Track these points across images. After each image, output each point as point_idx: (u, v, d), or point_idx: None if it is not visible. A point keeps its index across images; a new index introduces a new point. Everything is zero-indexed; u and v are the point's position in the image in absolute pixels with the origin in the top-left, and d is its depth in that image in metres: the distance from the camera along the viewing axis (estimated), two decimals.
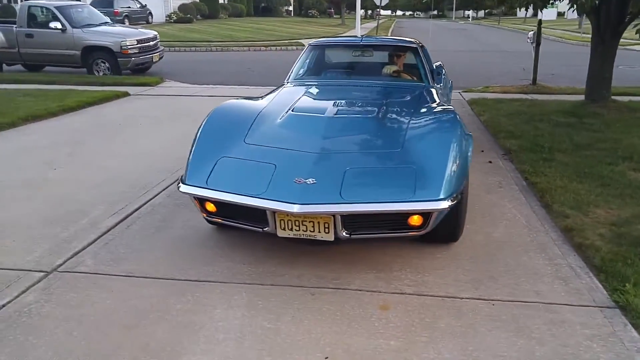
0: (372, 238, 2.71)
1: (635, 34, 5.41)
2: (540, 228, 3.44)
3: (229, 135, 3.08)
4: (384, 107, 3.39)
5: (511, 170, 4.70)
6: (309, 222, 2.59)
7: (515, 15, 52.58)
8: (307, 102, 3.63)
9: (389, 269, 2.91)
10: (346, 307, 2.56)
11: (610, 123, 6.19)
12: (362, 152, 2.88)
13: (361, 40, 4.72)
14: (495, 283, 2.77)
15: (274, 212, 2.58)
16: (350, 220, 2.57)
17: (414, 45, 4.62)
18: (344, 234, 2.60)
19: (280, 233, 2.67)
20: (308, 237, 2.64)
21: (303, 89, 4.06)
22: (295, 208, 2.46)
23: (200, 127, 3.18)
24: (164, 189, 4.22)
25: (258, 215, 2.67)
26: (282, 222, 2.63)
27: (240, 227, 2.84)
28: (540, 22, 9.88)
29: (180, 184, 2.82)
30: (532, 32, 10.00)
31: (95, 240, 3.31)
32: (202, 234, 3.38)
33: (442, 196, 2.56)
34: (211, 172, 2.79)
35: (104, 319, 2.48)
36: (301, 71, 4.57)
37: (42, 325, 2.43)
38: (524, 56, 13.69)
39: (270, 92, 4.09)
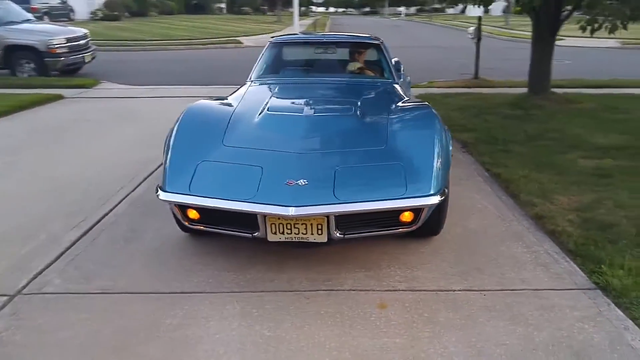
0: (364, 237, 2.69)
1: (579, 29, 5.74)
2: (511, 217, 3.56)
3: (205, 137, 2.95)
4: (359, 105, 3.37)
5: (472, 162, 4.84)
6: (302, 224, 2.53)
7: (444, 12, 54.53)
8: (280, 101, 3.55)
9: (378, 267, 2.90)
10: (344, 308, 2.52)
11: (553, 114, 6.54)
12: (347, 151, 2.84)
13: (324, 37, 4.68)
14: (481, 273, 2.83)
15: (265, 216, 2.49)
16: (344, 220, 2.54)
17: (376, 42, 4.64)
18: (338, 234, 2.55)
19: (271, 237, 2.58)
20: (300, 240, 2.58)
21: (271, 87, 3.98)
22: (292, 211, 2.39)
23: (173, 130, 3.02)
24: (124, 197, 3.99)
25: (247, 220, 2.57)
26: (273, 226, 2.55)
27: (225, 233, 2.73)
28: (480, 18, 10.26)
29: (160, 192, 2.66)
30: (472, 28, 10.39)
31: (59, 256, 3.06)
32: (177, 243, 3.22)
33: (432, 191, 2.58)
34: (193, 177, 2.65)
35: (88, 342, 2.29)
36: (264, 69, 4.46)
37: (19, 355, 2.21)
38: (460, 51, 14.23)
39: (235, 92, 3.96)
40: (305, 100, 3.47)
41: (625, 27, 5.42)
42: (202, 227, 2.74)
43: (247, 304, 2.55)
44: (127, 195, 4.04)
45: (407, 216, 2.61)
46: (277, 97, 3.60)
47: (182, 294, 2.66)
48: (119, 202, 3.89)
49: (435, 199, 2.56)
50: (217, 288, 2.70)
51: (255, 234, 2.59)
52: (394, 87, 4.11)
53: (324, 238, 2.56)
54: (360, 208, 2.47)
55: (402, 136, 2.94)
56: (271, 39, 4.70)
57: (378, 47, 4.59)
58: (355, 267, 2.89)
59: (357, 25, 34.91)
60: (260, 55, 4.55)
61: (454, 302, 2.57)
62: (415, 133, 3.02)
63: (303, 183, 2.51)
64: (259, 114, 3.22)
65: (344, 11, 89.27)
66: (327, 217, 2.49)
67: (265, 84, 4.14)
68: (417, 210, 2.60)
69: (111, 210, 3.75)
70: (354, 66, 4.52)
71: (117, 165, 4.78)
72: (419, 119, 3.21)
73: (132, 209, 3.77)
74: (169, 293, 2.66)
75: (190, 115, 3.15)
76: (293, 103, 3.56)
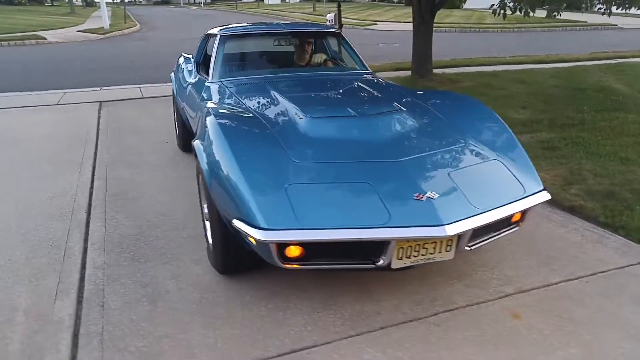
0: (485, 244, 2.45)
1: (492, 13, 6.18)
2: None
3: (267, 155, 2.36)
4: (385, 99, 3.07)
5: None
6: (431, 243, 2.18)
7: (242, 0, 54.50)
8: (300, 103, 3.02)
9: (466, 274, 2.69)
10: (483, 326, 2.27)
11: None
12: (436, 152, 2.53)
13: (280, 28, 4.16)
14: (558, 260, 2.82)
15: (396, 240, 2.08)
16: (478, 231, 2.26)
17: (337, 31, 4.30)
18: (466, 247, 2.27)
19: (396, 264, 2.18)
20: (426, 262, 2.23)
21: (254, 87, 3.41)
22: (449, 230, 2.03)
23: (219, 148, 2.36)
24: (84, 251, 3.06)
25: (371, 248, 2.12)
26: (400, 250, 2.14)
27: (330, 268, 2.23)
28: (339, 4, 10.38)
29: (257, 232, 2.02)
30: (331, 15, 10.49)
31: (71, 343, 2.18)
32: (219, 291, 2.56)
33: (542, 187, 2.46)
34: (292, 206, 2.09)
35: None
36: (226, 67, 3.79)
37: None
38: None
39: (209, 99, 3.32)
40: (322, 99, 3.06)
41: (533, 11, 6.01)
42: (299, 266, 2.18)
43: (379, 346, 2.13)
44: (88, 247, 3.11)
45: (517, 216, 2.45)
46: (288, 99, 3.04)
47: (293, 353, 2.10)
48: (84, 256, 2.97)
49: (547, 195, 2.45)
50: (327, 337, 2.19)
51: (379, 263, 2.16)
52: (379, 78, 3.86)
53: (451, 255, 2.24)
54: (499, 215, 2.22)
55: (473, 128, 2.74)
56: (220, 32, 3.97)
57: (340, 37, 4.26)
58: (443, 280, 2.63)
59: (161, 17, 33.13)
60: (215, 51, 3.82)
61: (569, 295, 2.51)
62: (487, 124, 2.84)
63: (433, 195, 2.16)
64: (300, 121, 2.69)
65: (130, 1, 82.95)
66: None
67: (238, 84, 3.51)
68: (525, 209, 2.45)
69: (83, 269, 2.83)
70: (320, 58, 4.13)
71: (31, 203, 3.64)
72: (471, 107, 3.05)
73: (112, 258, 2.91)
74: (278, 356, 2.08)
75: (230, 129, 2.50)
76: (320, 104, 3.07)
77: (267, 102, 3.09)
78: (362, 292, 2.51)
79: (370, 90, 3.35)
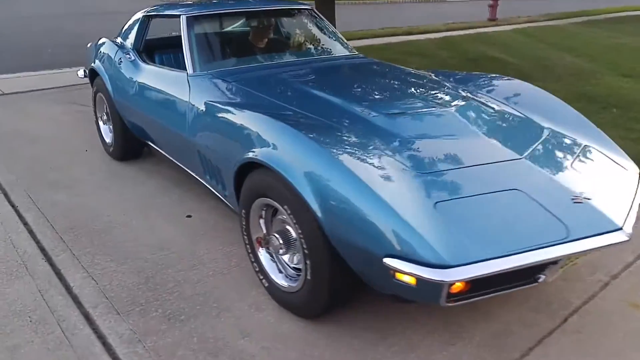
0: None
1: None
2: None
3: (385, 169, 1.88)
4: (437, 86, 2.75)
5: None
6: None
7: None
8: (350, 97, 2.48)
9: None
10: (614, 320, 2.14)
11: None
12: (541, 143, 2.25)
13: (252, 6, 3.44)
14: None
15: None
16: None
17: (307, 7, 3.73)
18: None
19: (552, 277, 1.91)
20: (571, 266, 2.00)
21: (270, 81, 2.80)
22: (627, 230, 1.80)
23: (333, 171, 1.81)
24: (87, 318, 2.24)
25: (536, 267, 1.82)
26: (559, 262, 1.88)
27: (491, 296, 1.88)
28: None
29: (433, 271, 1.57)
30: None
31: None
32: (317, 341, 2.04)
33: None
34: (462, 232, 1.67)
35: None
36: (207, 59, 3.00)
37: None
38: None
39: (206, 97, 2.64)
40: (367, 91, 2.62)
41: None
42: (461, 302, 1.78)
43: None
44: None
45: None
46: (331, 94, 2.49)
47: None
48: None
49: None
50: None
51: (541, 280, 1.87)
52: (376, 61, 3.43)
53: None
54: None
55: (545, 114, 2.56)
56: (182, 12, 3.14)
57: (312, 14, 3.71)
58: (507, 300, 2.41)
59: None
60: (187, 39, 3.01)
61: None
62: (551, 107, 2.66)
63: (587, 196, 1.92)
64: (376, 120, 2.21)
65: None
66: None
67: (243, 76, 2.80)
68: None
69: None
70: (299, 40, 3.56)
71: None
72: (528, 91, 2.85)
73: (144, 317, 2.16)
74: None
75: (324, 141, 1.94)
76: (372, 97, 2.57)
77: (306, 99, 2.51)
78: (477, 313, 2.21)
79: (404, 77, 2.95)
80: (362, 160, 1.90)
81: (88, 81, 4.25)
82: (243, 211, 2.26)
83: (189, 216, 3.07)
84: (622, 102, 5.36)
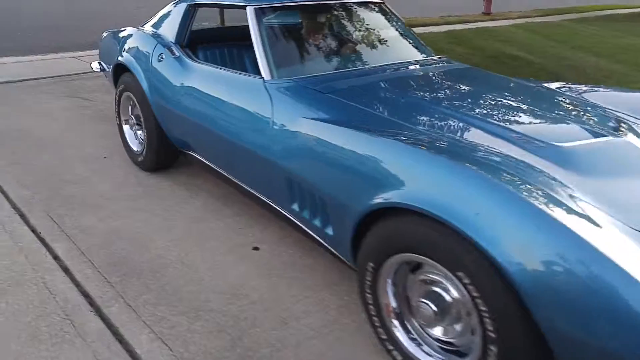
0: None
1: None
2: None
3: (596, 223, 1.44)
4: (578, 103, 2.33)
5: None
6: None
7: None
8: (493, 121, 2.01)
9: None
10: None
11: None
12: None
13: None
14: None
15: None
16: None
17: (382, 2, 3.18)
18: None
19: None
20: None
21: (377, 95, 2.28)
22: None
23: (565, 237, 1.34)
24: None
25: None
26: None
27: None
28: None
29: None
30: None
31: None
32: None
33: None
34: None
35: None
36: (287, 63, 2.45)
37: None
38: None
39: (293, 112, 2.13)
40: (504, 109, 2.15)
41: None
42: None
43: None
44: None
45: None
46: (471, 117, 2.02)
47: None
48: None
49: None
50: None
51: None
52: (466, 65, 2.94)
53: None
54: None
55: None
56: (250, 5, 2.57)
57: (387, 9, 3.15)
58: None
59: None
60: (258, 34, 2.46)
61: None
62: None
63: None
64: (550, 154, 1.75)
65: None
66: None
67: (334, 90, 2.25)
68: None
69: None
70: (381, 40, 3.00)
71: None
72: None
73: None
74: None
75: (521, 196, 1.46)
76: (518, 121, 2.10)
77: (435, 119, 2.03)
78: None
79: (520, 88, 2.51)
80: (562, 207, 1.44)
81: (90, 71, 3.65)
82: (371, 265, 1.78)
83: (255, 248, 2.57)
84: None
